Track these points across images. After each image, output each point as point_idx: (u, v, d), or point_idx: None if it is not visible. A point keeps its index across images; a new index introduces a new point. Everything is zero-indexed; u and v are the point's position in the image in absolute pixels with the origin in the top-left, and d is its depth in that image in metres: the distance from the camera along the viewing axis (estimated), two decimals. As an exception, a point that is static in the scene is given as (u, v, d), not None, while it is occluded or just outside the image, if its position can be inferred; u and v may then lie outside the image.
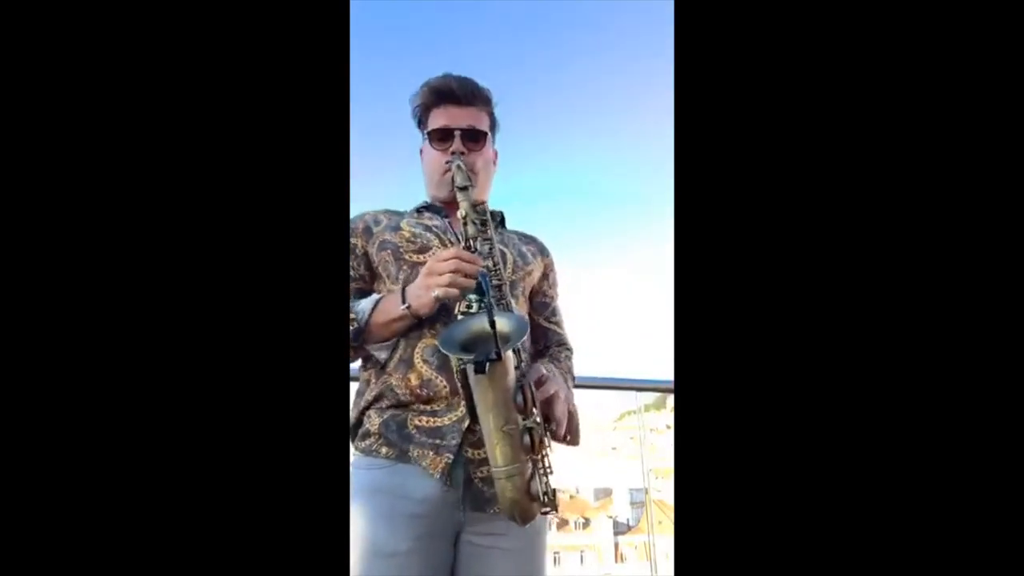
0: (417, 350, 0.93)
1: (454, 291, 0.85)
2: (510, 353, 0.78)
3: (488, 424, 0.78)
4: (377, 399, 0.93)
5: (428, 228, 1.04)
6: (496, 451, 0.78)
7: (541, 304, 1.14)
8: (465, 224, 0.92)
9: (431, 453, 0.88)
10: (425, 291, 0.87)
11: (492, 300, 0.78)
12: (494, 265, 0.93)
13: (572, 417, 0.96)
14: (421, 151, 1.12)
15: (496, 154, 1.15)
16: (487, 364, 0.73)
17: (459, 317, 0.86)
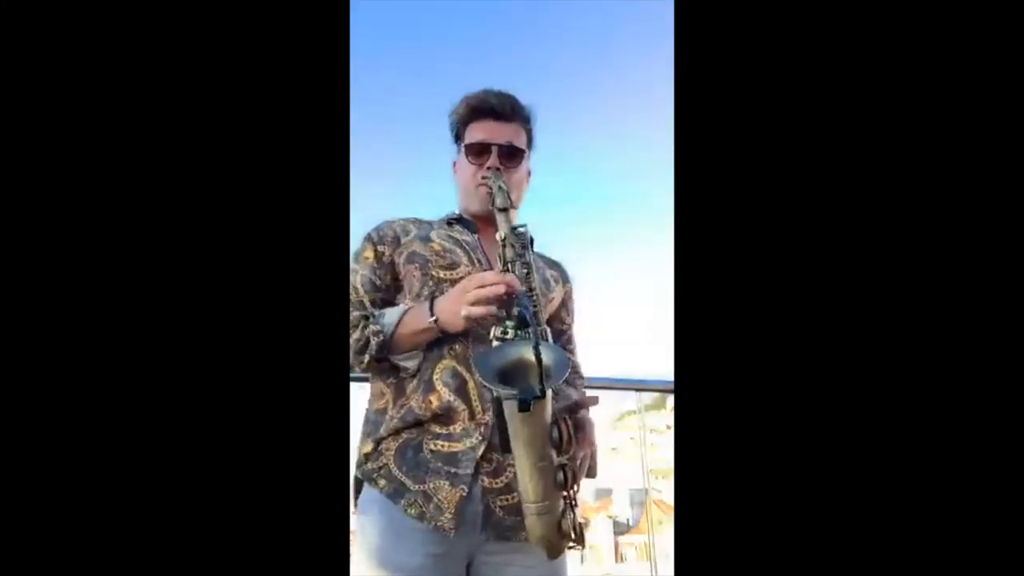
0: (437, 371, 0.91)
1: (479, 311, 0.81)
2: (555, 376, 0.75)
3: (523, 460, 0.75)
4: (396, 431, 0.91)
5: (458, 243, 1.02)
6: (529, 487, 0.76)
7: (557, 331, 1.11)
8: (504, 247, 0.89)
9: (447, 484, 0.86)
10: (458, 308, 0.84)
11: (536, 329, 0.74)
12: (530, 291, 0.90)
13: (592, 452, 0.96)
14: (455, 164, 1.11)
15: (530, 173, 1.13)
16: (531, 402, 0.68)
17: (494, 343, 0.82)
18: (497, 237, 0.90)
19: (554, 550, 0.80)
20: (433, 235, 1.02)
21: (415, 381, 0.92)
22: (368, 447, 0.92)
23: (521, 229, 0.95)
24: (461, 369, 0.91)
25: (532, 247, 1.10)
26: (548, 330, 0.90)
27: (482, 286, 0.82)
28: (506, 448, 0.77)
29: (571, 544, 0.81)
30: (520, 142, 1.07)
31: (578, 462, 0.85)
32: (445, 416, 0.89)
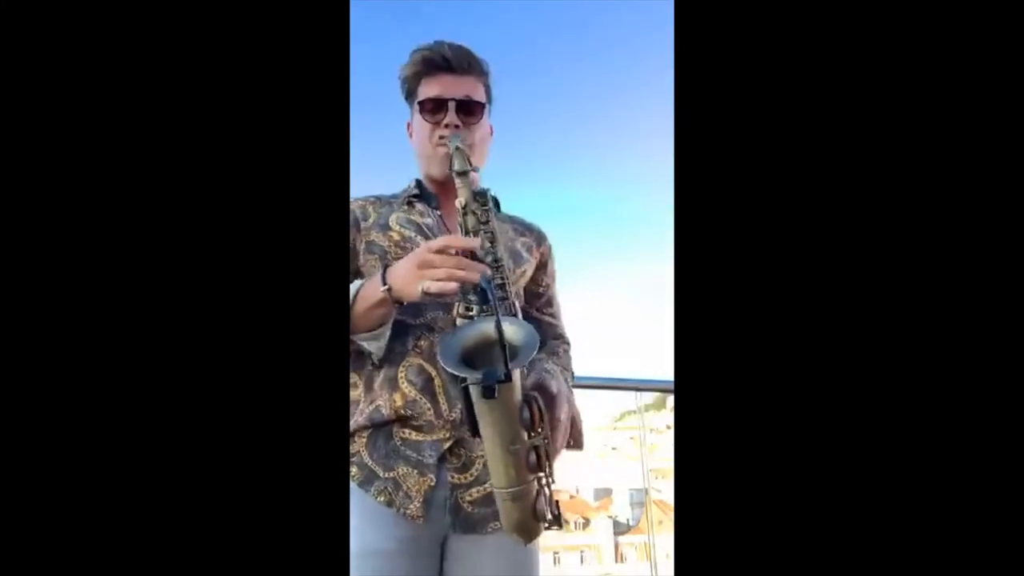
0: (401, 369, 0.88)
1: (450, 287, 0.75)
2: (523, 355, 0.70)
3: (493, 444, 0.72)
4: (362, 428, 0.89)
5: (419, 228, 0.96)
6: (501, 472, 0.73)
7: (534, 294, 1.06)
8: (465, 215, 0.83)
9: (415, 472, 0.85)
10: (412, 280, 0.77)
11: (497, 308, 0.70)
12: (495, 261, 0.83)
13: (575, 421, 0.91)
14: (409, 125, 1.03)
15: (492, 128, 1.05)
16: (496, 388, 0.64)
17: (458, 321, 0.77)
18: (457, 204, 0.84)
19: (530, 535, 0.78)
20: (392, 220, 0.96)
21: (380, 376, 0.89)
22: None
23: (481, 198, 0.86)
24: (427, 366, 0.88)
25: (498, 210, 1.03)
26: (516, 303, 0.85)
27: (441, 251, 0.76)
28: (475, 432, 0.74)
29: (547, 525, 0.78)
30: (479, 95, 1.00)
31: (555, 442, 0.80)
32: (411, 415, 0.87)
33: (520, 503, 0.74)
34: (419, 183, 1.03)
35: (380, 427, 0.88)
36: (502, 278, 0.83)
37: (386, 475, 0.86)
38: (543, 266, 1.08)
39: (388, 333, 0.86)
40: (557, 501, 0.78)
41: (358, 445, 0.88)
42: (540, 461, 0.72)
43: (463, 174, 0.83)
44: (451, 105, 0.96)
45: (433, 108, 0.97)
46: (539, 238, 1.09)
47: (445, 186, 0.98)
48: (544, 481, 0.76)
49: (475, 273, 0.75)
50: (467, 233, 0.82)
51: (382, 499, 0.84)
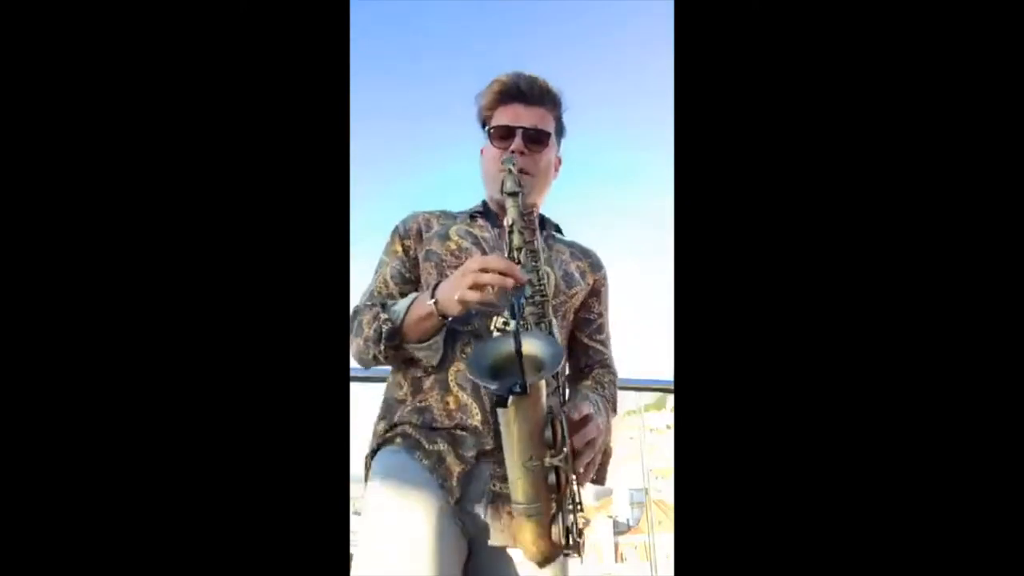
0: (451, 374, 0.91)
1: (474, 296, 0.78)
2: (542, 382, 0.71)
3: (511, 457, 0.72)
4: (406, 422, 0.90)
5: (477, 241, 0.99)
6: (517, 486, 0.73)
7: (584, 320, 1.07)
8: (511, 232, 0.86)
9: (454, 455, 0.86)
10: (455, 292, 0.81)
11: (519, 322, 0.71)
12: (539, 280, 0.86)
13: (605, 456, 0.92)
14: (482, 151, 1.07)
15: (560, 161, 1.10)
16: (509, 398, 0.66)
17: (494, 335, 0.79)
18: (504, 222, 0.87)
19: (545, 558, 0.76)
20: (452, 231, 1.00)
21: (431, 379, 0.92)
22: (383, 427, 0.93)
23: (530, 215, 0.91)
24: None
25: (560, 234, 1.09)
26: (554, 322, 0.87)
27: (484, 270, 0.79)
28: (499, 444, 0.75)
29: (566, 551, 0.76)
30: (546, 125, 1.03)
31: (577, 468, 0.80)
32: (462, 419, 0.88)
33: (533, 522, 0.73)
34: (484, 203, 1.07)
35: (424, 425, 0.90)
36: (541, 296, 0.85)
37: (431, 447, 0.87)
38: (596, 293, 1.09)
39: (441, 344, 0.90)
40: (581, 530, 0.77)
41: (402, 428, 0.90)
42: (560, 483, 0.72)
43: (513, 194, 0.87)
44: (519, 132, 1.00)
45: (502, 135, 1.01)
46: (595, 265, 1.11)
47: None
48: (564, 505, 0.75)
49: (508, 280, 0.77)
50: (512, 250, 0.85)
51: (427, 462, 0.86)
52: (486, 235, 1.01)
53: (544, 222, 1.11)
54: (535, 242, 0.88)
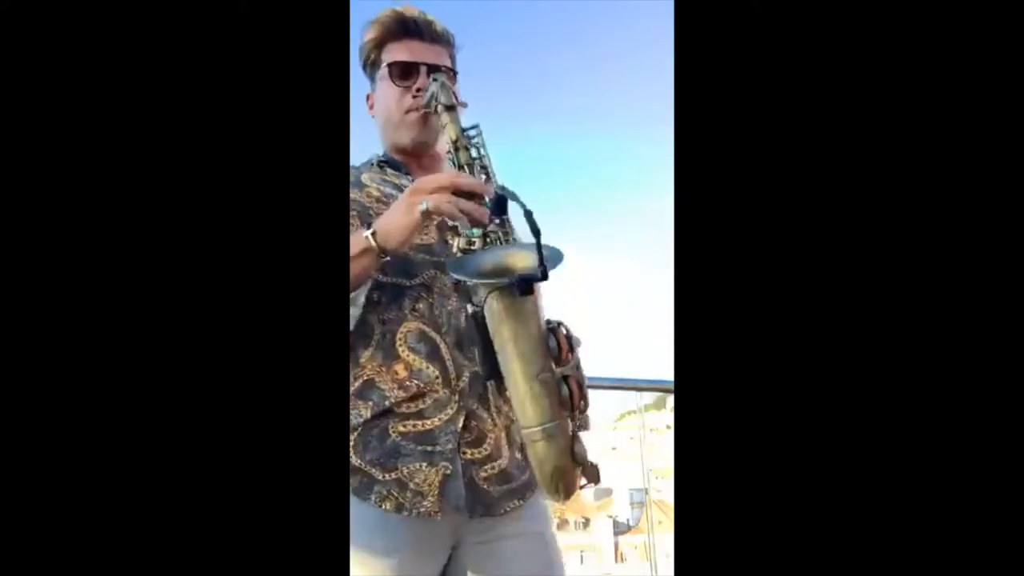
0: (399, 336, 0.79)
1: (451, 209, 0.68)
2: (538, 288, 0.64)
3: (518, 375, 0.65)
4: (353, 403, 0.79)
5: (397, 188, 0.87)
6: (529, 408, 0.65)
7: None
8: (457, 149, 0.77)
9: (424, 466, 0.76)
10: (406, 211, 0.70)
11: (532, 217, 0.63)
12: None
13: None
14: (369, 97, 0.95)
15: (464, 105, 0.97)
16: (532, 284, 0.58)
17: (458, 254, 0.70)
18: (446, 139, 0.78)
19: (570, 484, 0.69)
20: (365, 178, 0.89)
21: (370, 348, 0.79)
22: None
23: (473, 131, 0.81)
24: (430, 331, 0.79)
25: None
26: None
27: (456, 189, 0.69)
28: (494, 373, 0.68)
29: (583, 482, 0.70)
30: (448, 64, 0.93)
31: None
32: (417, 386, 0.77)
33: (555, 443, 0.66)
34: (385, 154, 0.95)
35: (371, 427, 0.78)
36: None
37: (386, 476, 0.75)
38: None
39: (363, 298, 0.78)
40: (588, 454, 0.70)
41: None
42: (573, 395, 0.66)
43: (451, 108, 0.77)
44: (423, 69, 0.88)
45: (402, 73, 0.89)
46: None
47: (415, 157, 0.92)
48: (578, 422, 0.69)
49: (475, 206, 0.69)
50: (460, 167, 0.77)
51: (388, 505, 0.74)
52: (403, 182, 0.89)
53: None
54: (484, 158, 0.79)
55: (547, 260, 0.61)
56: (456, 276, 0.67)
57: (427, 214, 0.68)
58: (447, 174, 0.73)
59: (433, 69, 0.87)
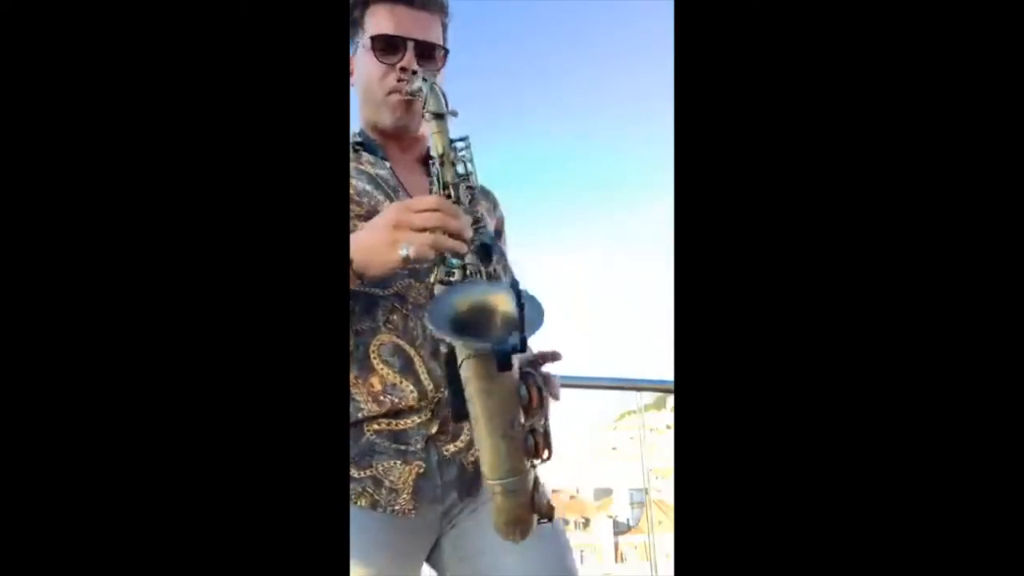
0: (373, 349, 0.77)
1: (430, 254, 0.65)
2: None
3: (487, 431, 0.63)
4: None
5: (375, 182, 0.82)
6: (495, 462, 0.64)
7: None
8: (440, 164, 0.71)
9: (398, 463, 0.75)
10: (388, 248, 0.66)
11: (508, 266, 0.61)
12: (476, 222, 0.72)
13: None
14: (351, 60, 0.87)
15: (454, 114, 0.91)
16: (511, 355, 0.55)
17: (436, 289, 0.67)
18: (432, 152, 0.72)
19: (525, 530, 0.68)
20: None
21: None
22: None
23: (461, 143, 0.74)
24: (404, 344, 0.77)
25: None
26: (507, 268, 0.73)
27: (417, 215, 0.65)
28: (460, 416, 0.65)
29: (542, 519, 0.68)
30: (439, 37, 0.84)
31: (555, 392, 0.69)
32: (392, 401, 0.76)
33: (515, 497, 0.66)
34: (362, 133, 0.88)
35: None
36: (486, 239, 0.72)
37: (361, 474, 0.75)
38: (500, 233, 0.93)
39: None
40: (550, 493, 0.70)
41: None
42: (538, 445, 0.64)
43: (440, 116, 0.71)
44: (409, 45, 0.80)
45: (386, 47, 0.81)
46: (494, 204, 0.95)
47: (394, 138, 0.87)
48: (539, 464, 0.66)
49: (463, 246, 0.65)
50: (444, 187, 0.71)
51: (363, 502, 0.74)
52: (380, 172, 0.83)
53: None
54: (471, 176, 0.73)
55: (528, 327, 0.58)
56: (434, 330, 0.63)
57: (407, 259, 0.66)
58: (436, 211, 0.66)
59: (421, 46, 0.81)
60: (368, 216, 0.76)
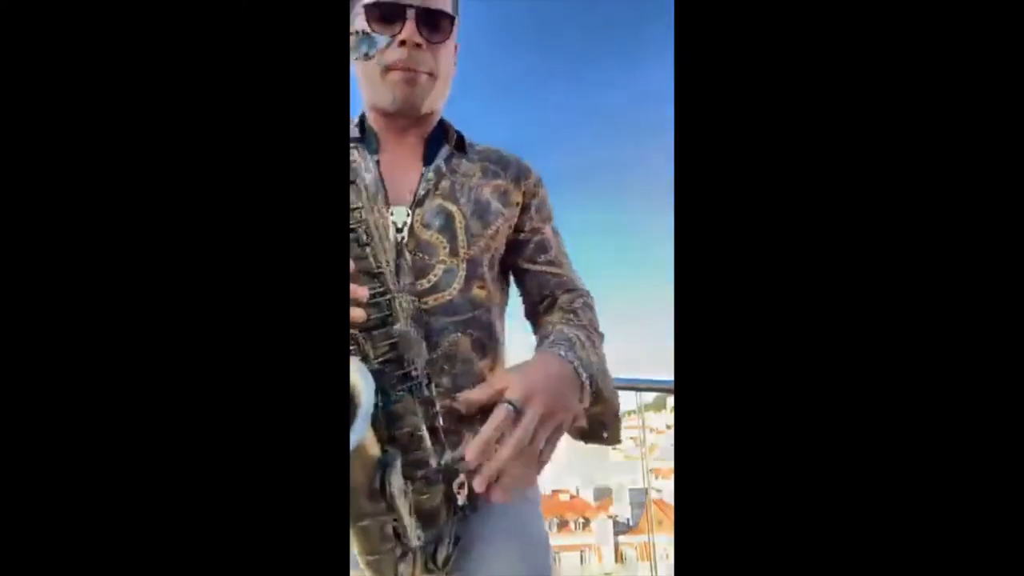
0: None
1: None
2: (361, 414, 0.56)
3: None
4: None
5: (355, 190, 0.68)
6: (353, 541, 0.59)
7: (521, 243, 0.80)
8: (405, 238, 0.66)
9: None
10: None
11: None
12: (376, 271, 0.64)
13: (608, 411, 0.71)
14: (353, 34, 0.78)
15: (457, 48, 0.79)
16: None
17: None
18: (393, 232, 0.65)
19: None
20: None
21: None
22: None
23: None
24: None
25: (447, 147, 0.79)
26: (406, 309, 0.65)
27: None
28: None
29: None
30: (445, 3, 0.73)
31: (503, 458, 0.60)
32: None
33: (374, 569, 0.61)
34: (362, 119, 0.79)
35: None
36: (383, 288, 0.62)
37: None
38: (527, 207, 0.82)
39: None
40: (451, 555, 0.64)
41: None
42: (399, 535, 0.59)
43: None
44: (411, 14, 0.69)
45: (384, 16, 0.69)
46: (518, 175, 0.82)
47: (394, 120, 0.77)
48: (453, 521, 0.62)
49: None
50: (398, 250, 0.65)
51: None
52: (366, 175, 0.73)
53: (446, 132, 0.81)
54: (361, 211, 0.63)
55: (354, 417, 0.55)
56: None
57: None
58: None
59: (424, 14, 0.69)
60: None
